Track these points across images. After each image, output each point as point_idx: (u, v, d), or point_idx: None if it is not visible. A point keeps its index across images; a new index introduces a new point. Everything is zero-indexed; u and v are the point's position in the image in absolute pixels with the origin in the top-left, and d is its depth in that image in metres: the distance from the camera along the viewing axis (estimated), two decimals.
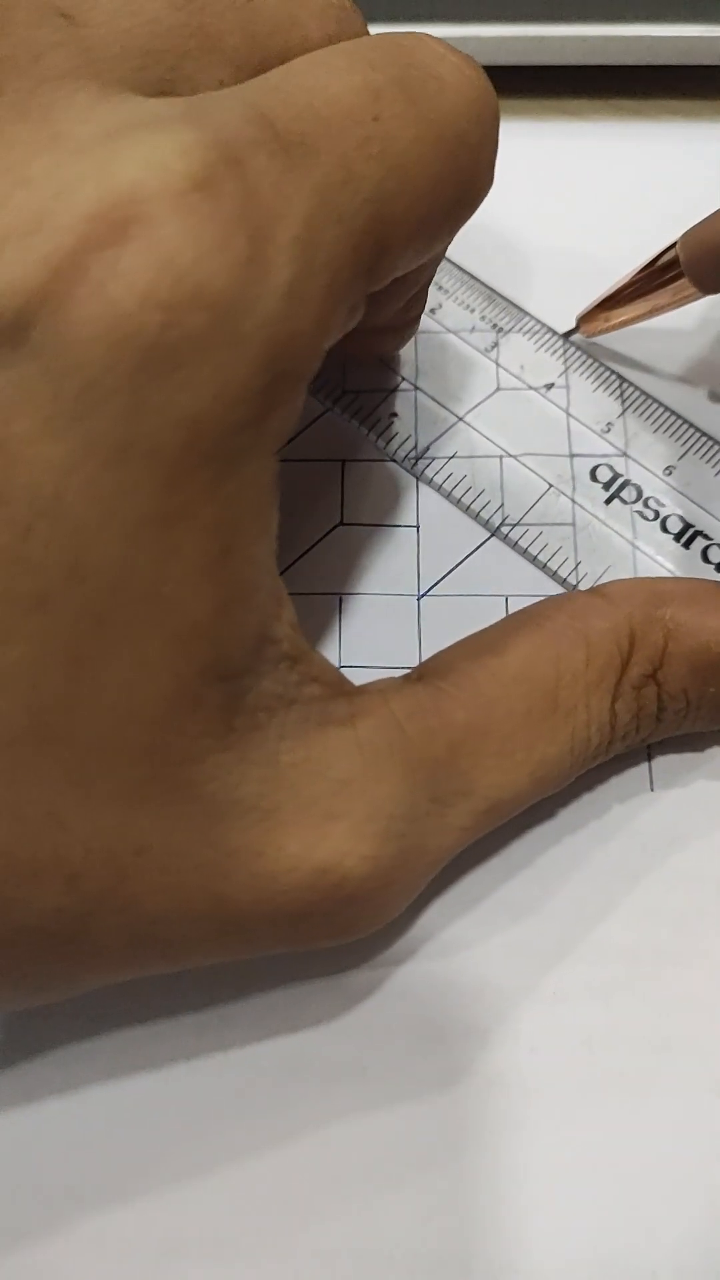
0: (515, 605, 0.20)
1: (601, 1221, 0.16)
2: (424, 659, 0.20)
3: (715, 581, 0.18)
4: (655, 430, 0.22)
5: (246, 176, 0.11)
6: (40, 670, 0.11)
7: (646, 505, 0.21)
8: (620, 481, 0.21)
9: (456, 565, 0.21)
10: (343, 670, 0.20)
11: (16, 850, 0.12)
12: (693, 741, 0.19)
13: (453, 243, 0.24)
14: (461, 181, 0.14)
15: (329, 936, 0.15)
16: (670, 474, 0.21)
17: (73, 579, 0.11)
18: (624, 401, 0.22)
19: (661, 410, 0.22)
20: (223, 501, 0.12)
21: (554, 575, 0.21)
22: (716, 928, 0.18)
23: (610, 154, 0.25)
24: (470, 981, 0.18)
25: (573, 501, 0.21)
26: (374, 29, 0.24)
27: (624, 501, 0.21)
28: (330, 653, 0.20)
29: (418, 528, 0.21)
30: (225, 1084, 0.17)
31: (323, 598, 0.20)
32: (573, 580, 0.20)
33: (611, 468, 0.21)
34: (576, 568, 0.21)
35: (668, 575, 0.20)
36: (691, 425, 0.22)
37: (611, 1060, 0.17)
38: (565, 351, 0.23)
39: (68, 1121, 0.17)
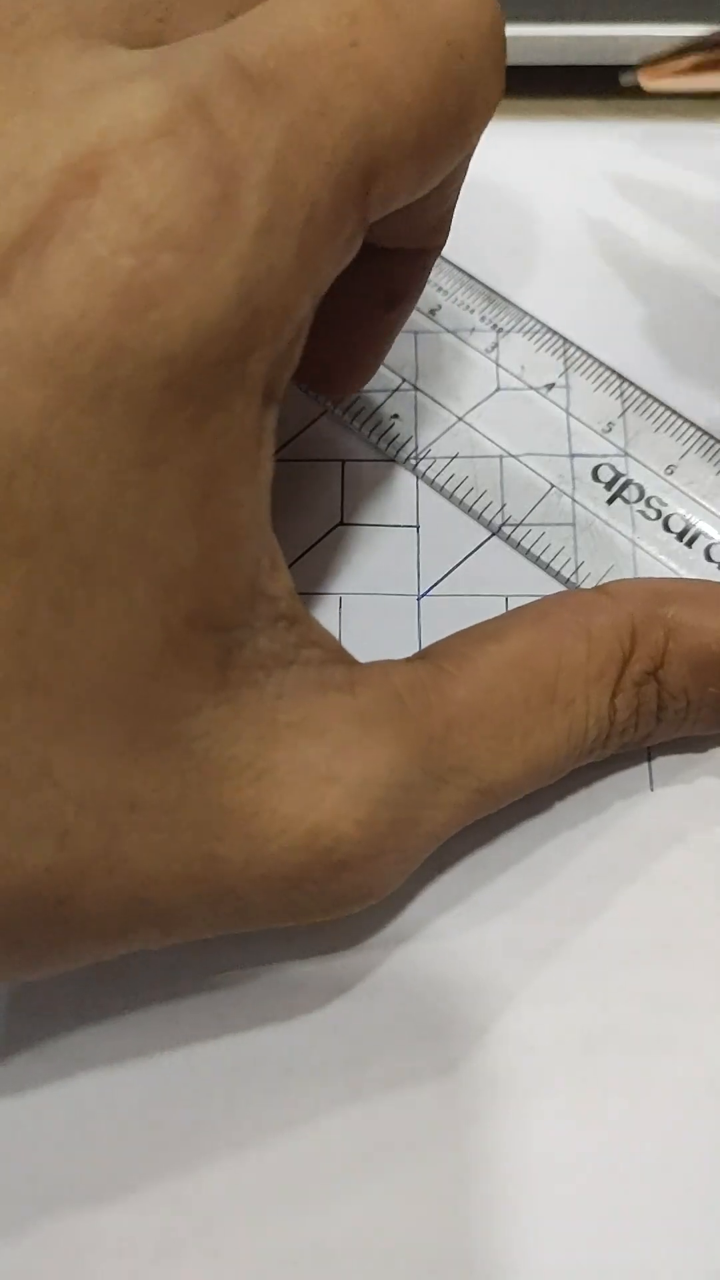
0: (516, 605, 0.20)
1: (601, 1221, 0.16)
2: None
3: (718, 582, 0.18)
4: (656, 430, 0.22)
5: (213, 119, 0.11)
6: (28, 617, 0.11)
7: (648, 504, 0.21)
8: (622, 481, 0.21)
9: (456, 565, 0.21)
10: None
11: (7, 808, 0.12)
12: (693, 742, 0.19)
13: (451, 243, 0.24)
14: (461, 95, 0.14)
15: (321, 908, 0.15)
16: (672, 473, 0.21)
17: (57, 525, 0.11)
18: (624, 401, 0.22)
19: (662, 410, 0.22)
20: (204, 443, 0.12)
21: (556, 575, 0.21)
22: (716, 928, 0.18)
23: (610, 154, 0.25)
24: (468, 979, 0.18)
25: (574, 501, 0.21)
26: None
27: (626, 501, 0.21)
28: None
29: (418, 527, 0.21)
30: (221, 1081, 0.17)
31: (323, 597, 0.20)
32: (574, 580, 0.20)
33: (613, 467, 0.21)
34: (579, 568, 0.21)
35: (670, 575, 0.20)
36: (692, 424, 0.22)
37: (610, 1059, 0.17)
38: (565, 352, 0.23)
39: (63, 1118, 0.17)
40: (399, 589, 0.21)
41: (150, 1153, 0.17)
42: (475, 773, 0.15)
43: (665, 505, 0.21)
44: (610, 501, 0.21)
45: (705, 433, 0.22)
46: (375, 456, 0.22)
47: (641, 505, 0.21)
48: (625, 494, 0.21)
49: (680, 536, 0.21)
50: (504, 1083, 0.17)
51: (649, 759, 0.19)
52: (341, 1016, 0.17)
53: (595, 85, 0.26)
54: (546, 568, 0.21)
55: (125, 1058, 0.17)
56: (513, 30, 0.24)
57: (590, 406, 0.22)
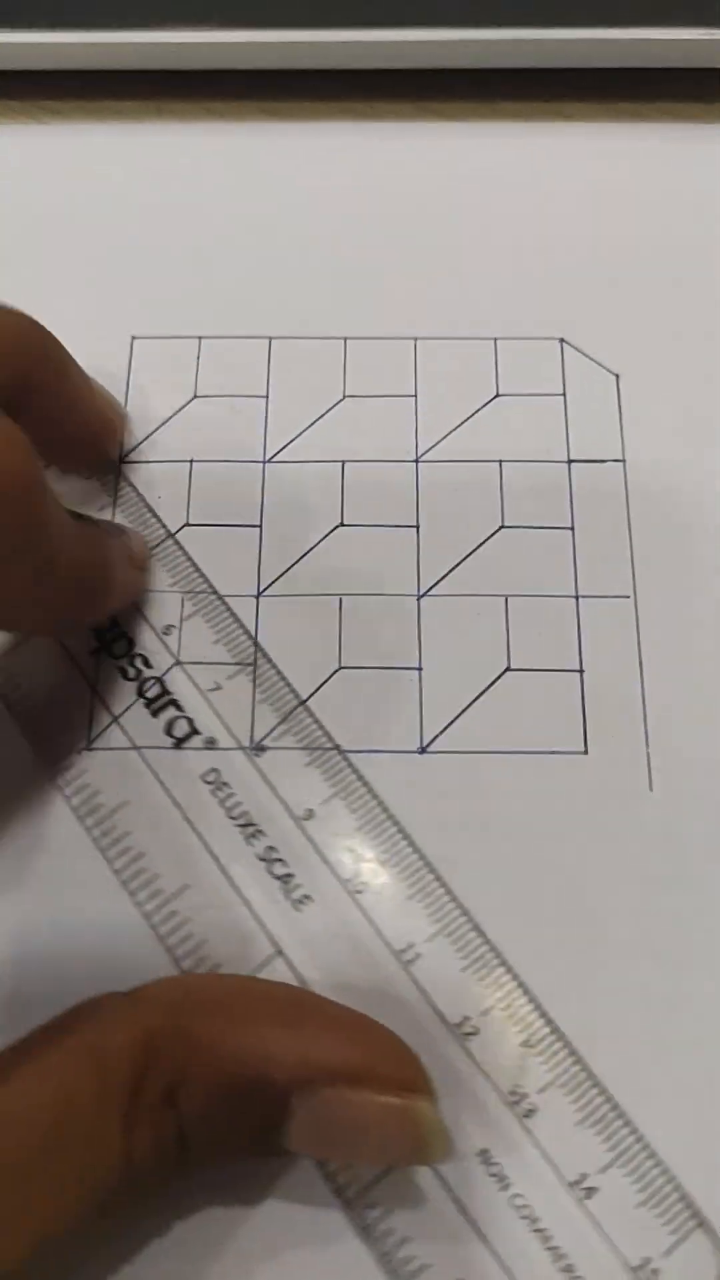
0: (515, 605, 0.20)
1: (603, 1220, 0.16)
2: (424, 659, 0.20)
3: (251, 979, 0.17)
4: (168, 585, 0.21)
5: None
6: None
7: (132, 662, 0.20)
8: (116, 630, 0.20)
9: (456, 565, 0.21)
10: (342, 671, 0.20)
11: None
12: (691, 740, 0.19)
13: (450, 239, 0.24)
14: None
15: None
16: (169, 634, 0.20)
17: None
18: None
19: (181, 556, 0.21)
20: None
21: None
22: (716, 927, 0.18)
23: (608, 156, 0.25)
24: (470, 981, 0.18)
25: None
26: (373, 34, 0.25)
27: (112, 655, 0.20)
28: (330, 653, 0.20)
29: (418, 528, 0.21)
30: None
31: (323, 598, 0.21)
32: None
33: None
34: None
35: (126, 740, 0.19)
36: (206, 580, 0.21)
37: (611, 1060, 0.17)
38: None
39: None
40: (399, 589, 0.21)
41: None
42: None
43: (149, 668, 0.20)
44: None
45: (211, 587, 0.21)
46: (377, 458, 0.22)
47: (125, 661, 0.20)
48: (115, 646, 0.20)
49: (150, 704, 0.20)
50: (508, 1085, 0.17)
51: (648, 760, 0.19)
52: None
53: (593, 88, 0.26)
54: None
55: None
56: (511, 34, 0.25)
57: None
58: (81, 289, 0.24)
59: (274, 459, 0.22)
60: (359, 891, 0.18)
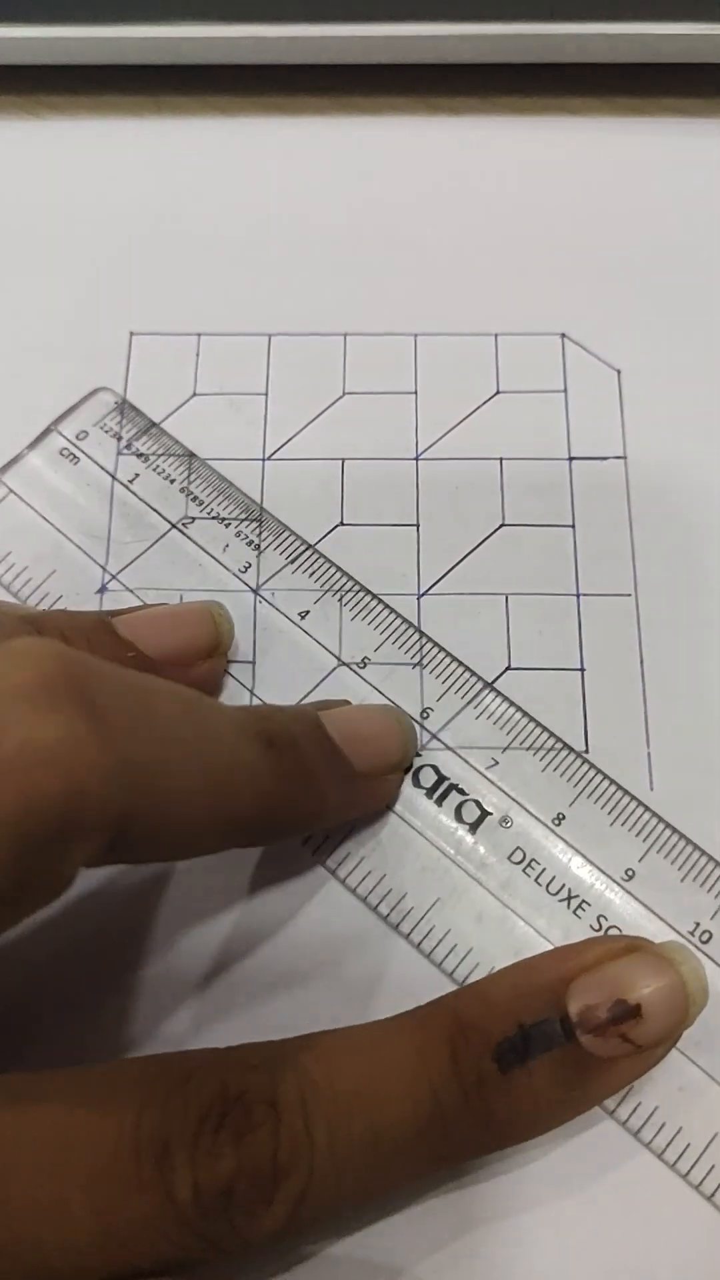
0: (515, 604, 0.20)
1: (602, 1220, 0.16)
2: (424, 657, 0.20)
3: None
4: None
5: None
6: None
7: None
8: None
9: (457, 563, 0.21)
10: (343, 668, 0.20)
11: None
12: (692, 739, 0.19)
13: (451, 235, 0.24)
14: None
15: None
16: (426, 717, 0.19)
17: None
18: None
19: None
20: None
21: None
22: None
23: (610, 151, 0.25)
24: (470, 980, 0.18)
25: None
26: (374, 29, 0.24)
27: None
28: (331, 653, 0.20)
29: (418, 526, 0.21)
30: None
31: (323, 597, 0.20)
32: None
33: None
34: None
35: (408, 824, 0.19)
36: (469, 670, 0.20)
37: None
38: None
39: None
40: (399, 589, 0.21)
41: None
42: None
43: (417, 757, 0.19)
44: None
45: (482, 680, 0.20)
46: (375, 455, 0.22)
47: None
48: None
49: (430, 793, 0.19)
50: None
51: (649, 759, 0.19)
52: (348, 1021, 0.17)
53: (595, 83, 0.26)
54: None
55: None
56: (513, 29, 0.24)
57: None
58: (80, 284, 0.24)
59: (273, 456, 0.22)
60: None
